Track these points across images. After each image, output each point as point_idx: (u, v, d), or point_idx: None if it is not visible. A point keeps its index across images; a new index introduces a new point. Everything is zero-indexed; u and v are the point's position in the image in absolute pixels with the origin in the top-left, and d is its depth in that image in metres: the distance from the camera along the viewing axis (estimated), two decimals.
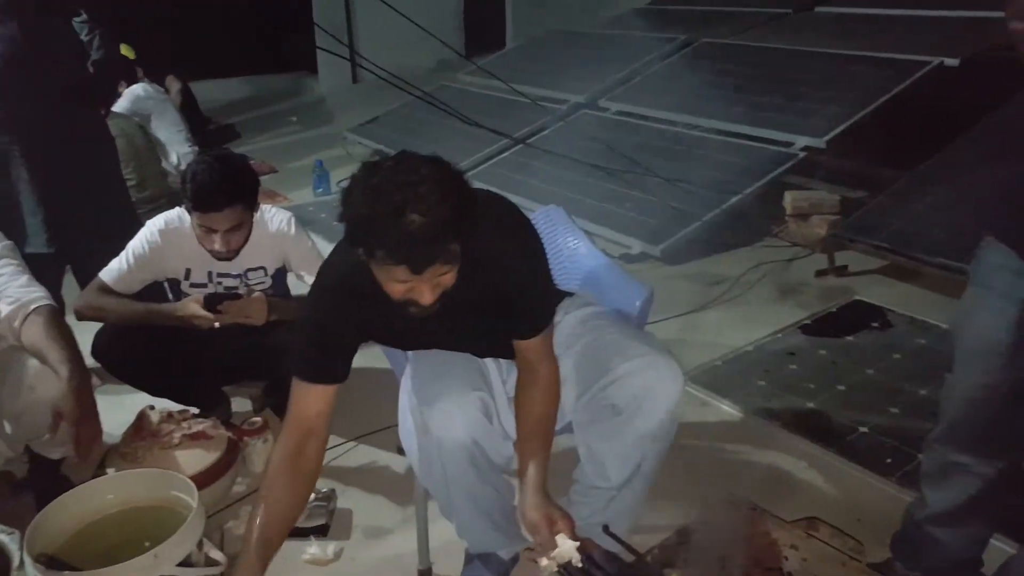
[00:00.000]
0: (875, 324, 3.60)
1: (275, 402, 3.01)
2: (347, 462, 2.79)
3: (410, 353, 2.06)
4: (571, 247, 2.53)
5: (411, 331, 1.94)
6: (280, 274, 2.87)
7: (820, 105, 4.93)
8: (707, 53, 6.25)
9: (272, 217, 2.79)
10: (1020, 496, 1.92)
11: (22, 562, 1.73)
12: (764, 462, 2.72)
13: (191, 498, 1.95)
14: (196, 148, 5.69)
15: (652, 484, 2.01)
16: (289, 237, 2.79)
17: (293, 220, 2.81)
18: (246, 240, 2.70)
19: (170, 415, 2.63)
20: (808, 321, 3.67)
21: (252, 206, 2.65)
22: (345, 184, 1.61)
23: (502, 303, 1.85)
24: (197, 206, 2.54)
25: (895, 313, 3.66)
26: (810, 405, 3.01)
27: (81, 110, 3.18)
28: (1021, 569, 1.85)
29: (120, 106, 5.38)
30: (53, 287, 2.79)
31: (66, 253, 3.15)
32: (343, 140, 7.21)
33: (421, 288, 1.62)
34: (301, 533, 2.39)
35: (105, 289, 2.67)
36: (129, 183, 3.96)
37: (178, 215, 2.72)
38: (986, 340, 1.77)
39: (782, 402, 3.04)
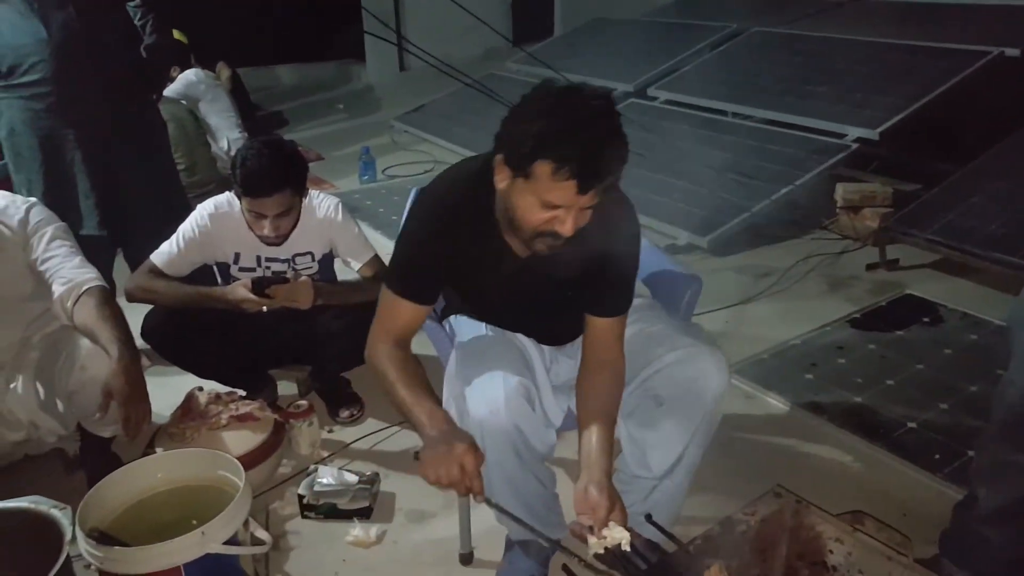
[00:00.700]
0: (926, 319, 3.54)
1: (320, 386, 3.04)
2: (390, 446, 2.81)
3: (456, 339, 2.06)
4: None
5: (492, 283, 1.93)
6: (327, 260, 2.89)
7: (874, 96, 4.84)
8: (758, 42, 6.16)
9: (320, 203, 2.81)
10: None
11: (74, 536, 1.76)
12: (810, 456, 2.71)
13: (238, 478, 1.98)
14: (246, 134, 5.74)
15: (695, 475, 2.01)
16: (336, 223, 2.80)
17: (340, 206, 2.83)
18: (295, 225, 2.73)
19: (218, 396, 2.66)
20: (857, 315, 3.62)
21: (301, 191, 2.67)
22: (517, 103, 1.64)
23: (594, 276, 1.85)
24: (247, 191, 2.57)
25: (947, 308, 3.59)
26: (858, 400, 2.97)
27: (134, 95, 3.22)
28: None
29: (172, 90, 5.44)
30: (105, 269, 2.83)
31: (118, 236, 3.20)
32: (390, 128, 7.24)
33: (567, 217, 1.62)
34: (344, 515, 2.42)
35: (155, 272, 2.71)
36: (179, 167, 4.00)
37: (228, 200, 2.75)
38: None
39: (829, 396, 3.00)
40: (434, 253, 1.84)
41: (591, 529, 1.70)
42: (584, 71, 6.45)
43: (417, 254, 1.86)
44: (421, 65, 4.62)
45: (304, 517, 2.45)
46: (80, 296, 2.20)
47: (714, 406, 1.88)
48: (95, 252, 2.57)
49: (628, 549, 1.64)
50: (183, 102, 5.42)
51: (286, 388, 3.11)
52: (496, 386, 1.79)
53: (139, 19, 3.25)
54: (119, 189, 3.16)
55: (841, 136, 4.68)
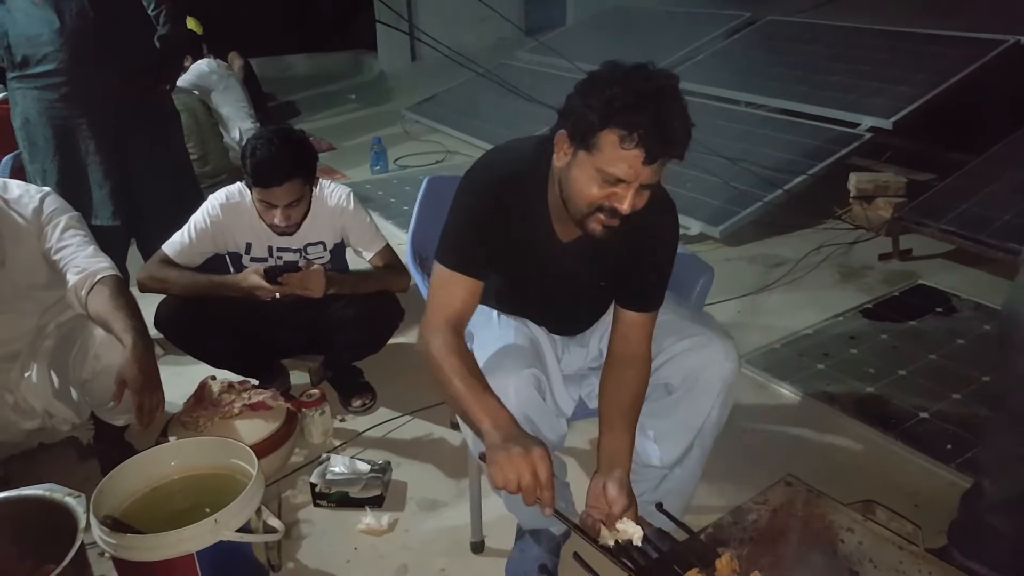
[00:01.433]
0: (939, 309, 3.52)
1: (332, 375, 3.05)
2: (402, 435, 2.82)
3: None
4: None
5: (530, 266, 1.91)
6: (339, 249, 2.89)
7: (888, 85, 4.81)
8: (772, 31, 6.14)
9: (331, 193, 2.81)
10: None
11: (88, 523, 1.77)
12: (822, 446, 2.70)
13: (251, 466, 1.99)
14: (258, 124, 5.75)
15: (706, 464, 2.01)
16: (348, 213, 2.81)
17: (352, 196, 2.83)
18: (306, 215, 2.73)
19: (230, 385, 2.68)
20: (870, 305, 3.61)
21: (311, 180, 2.68)
22: (588, 77, 1.69)
23: (632, 269, 1.86)
24: (257, 181, 2.58)
25: (960, 298, 3.57)
26: (870, 390, 2.96)
27: (148, 84, 3.23)
28: None
29: (185, 80, 5.45)
30: (118, 259, 2.85)
31: (131, 226, 3.21)
32: (401, 118, 7.23)
33: (627, 193, 1.62)
34: (356, 504, 2.43)
35: (168, 261, 2.72)
36: (192, 158, 4.01)
37: (239, 190, 2.76)
38: None
39: (842, 386, 2.99)
40: (489, 227, 1.81)
41: (603, 523, 1.71)
42: (597, 61, 6.34)
43: (473, 226, 1.82)
44: (433, 55, 4.62)
45: (316, 505, 2.46)
46: (94, 285, 2.22)
47: (725, 395, 1.88)
48: (109, 242, 2.59)
49: (639, 544, 1.64)
50: (195, 92, 5.44)
51: (298, 377, 3.12)
52: (506, 376, 1.78)
53: (152, 9, 3.25)
54: (133, 179, 3.17)
55: (855, 126, 4.65)
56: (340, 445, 2.76)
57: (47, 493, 1.84)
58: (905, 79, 4.77)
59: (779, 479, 1.75)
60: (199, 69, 5.69)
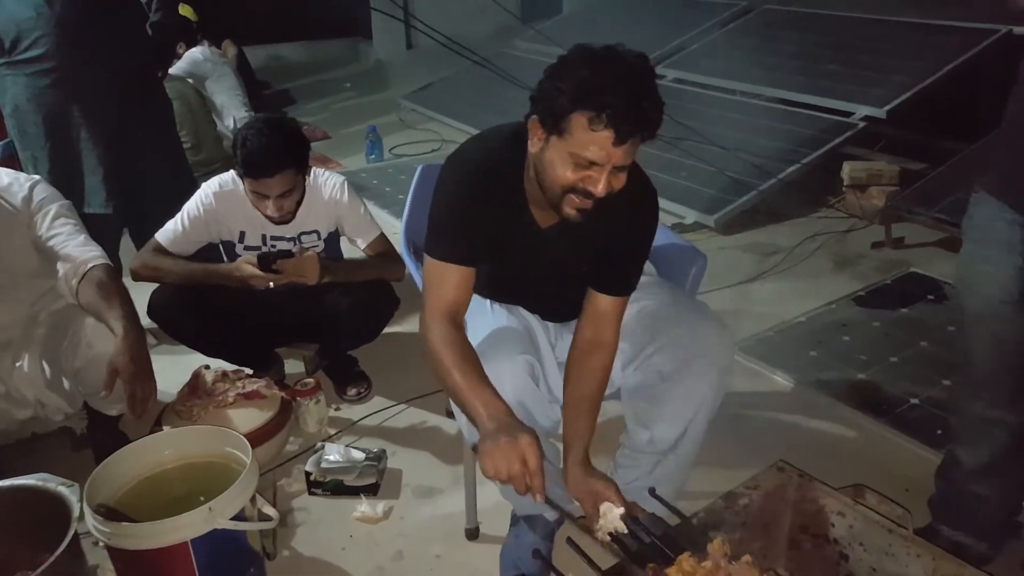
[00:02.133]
0: (931, 297, 3.53)
1: (327, 364, 3.05)
2: (397, 423, 2.83)
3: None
4: None
5: (512, 254, 1.92)
6: (333, 238, 2.89)
7: (882, 74, 4.83)
8: (768, 20, 6.15)
9: (325, 182, 2.80)
10: None
11: (82, 513, 1.77)
12: (814, 431, 2.72)
13: (245, 455, 1.99)
14: (252, 112, 5.73)
15: (699, 450, 2.02)
16: (343, 203, 2.80)
17: (346, 185, 2.82)
18: (299, 204, 2.73)
19: (224, 374, 2.68)
20: (863, 293, 3.63)
21: (303, 170, 2.66)
22: (552, 63, 1.66)
23: (610, 252, 1.86)
24: (248, 172, 2.56)
25: (951, 286, 3.57)
26: (862, 376, 2.99)
27: (140, 72, 3.22)
28: None
29: (178, 68, 5.42)
30: (111, 247, 2.84)
31: (124, 214, 3.20)
32: (397, 106, 7.22)
33: (600, 175, 1.63)
34: (352, 492, 2.44)
35: (160, 250, 2.71)
36: (185, 146, 3.99)
37: (232, 178, 2.74)
38: (994, 293, 1.79)
39: (834, 373, 3.01)
40: (470, 214, 1.81)
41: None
42: None
43: (457, 215, 1.82)
44: (429, 43, 4.59)
45: (311, 494, 2.47)
46: (85, 274, 2.21)
47: (718, 382, 1.89)
48: (101, 230, 2.58)
49: (623, 525, 1.65)
50: (189, 80, 5.41)
51: (293, 366, 3.13)
52: (500, 363, 1.79)
53: None
54: (125, 166, 3.16)
55: (849, 115, 4.68)
56: (335, 434, 2.77)
57: (40, 483, 1.85)
58: (899, 68, 4.79)
59: (771, 464, 1.76)
60: (193, 57, 5.65)
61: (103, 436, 2.46)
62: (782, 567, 1.65)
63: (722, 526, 1.63)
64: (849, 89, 4.87)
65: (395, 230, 2.83)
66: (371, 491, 2.46)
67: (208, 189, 2.75)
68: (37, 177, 2.40)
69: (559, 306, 2.09)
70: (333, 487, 2.45)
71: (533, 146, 1.71)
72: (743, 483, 1.72)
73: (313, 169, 2.76)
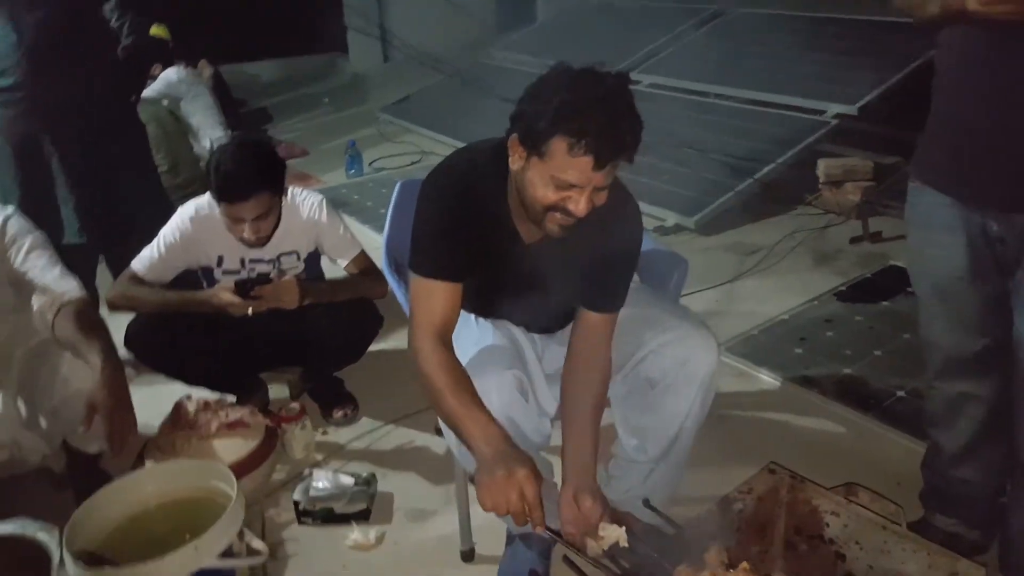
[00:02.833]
0: (910, 289, 3.51)
1: (312, 387, 3.00)
2: (386, 445, 2.78)
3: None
4: None
5: (498, 268, 1.89)
6: (313, 257, 2.84)
7: (853, 72, 4.91)
8: (738, 23, 6.24)
9: (303, 201, 2.75)
10: None
11: (62, 560, 1.71)
12: (803, 430, 2.74)
13: (230, 488, 1.93)
14: (229, 131, 5.68)
15: (690, 455, 2.02)
16: (321, 222, 2.75)
17: (324, 204, 2.77)
18: (276, 226, 2.67)
19: (207, 404, 2.60)
20: (844, 288, 3.67)
21: (279, 191, 2.60)
22: (532, 83, 1.67)
23: (597, 268, 1.85)
24: (222, 196, 2.51)
25: None
26: (847, 371, 3.01)
27: (111, 98, 3.17)
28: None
29: (153, 89, 5.37)
30: (86, 278, 2.78)
31: (99, 242, 3.15)
32: (376, 120, 7.18)
33: (581, 196, 1.61)
34: (342, 519, 2.39)
35: (137, 279, 2.65)
36: (161, 169, 3.96)
37: (208, 202, 2.68)
38: (947, 272, 1.85)
39: (820, 369, 3.03)
40: (454, 230, 1.80)
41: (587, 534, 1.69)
42: (567, 56, 6.31)
43: (441, 230, 1.80)
44: (405, 56, 4.57)
45: (301, 523, 2.41)
46: (61, 307, 2.15)
47: (706, 386, 1.89)
48: (76, 260, 2.52)
49: (626, 545, 1.62)
50: (164, 102, 5.36)
51: (278, 391, 3.07)
52: (488, 379, 1.78)
53: (116, 20, 3.20)
54: (99, 194, 3.11)
55: (821, 112, 4.75)
56: (323, 459, 2.72)
57: (19, 531, 1.79)
58: (869, 66, 4.85)
59: (762, 466, 1.78)
60: (168, 78, 5.59)
61: (83, 475, 2.39)
62: (780, 570, 1.64)
63: (718, 534, 1.65)
64: (820, 87, 4.95)
65: (377, 245, 2.78)
66: (362, 517, 2.41)
67: (184, 214, 2.69)
68: (10, 210, 2.34)
69: (545, 319, 2.07)
70: (323, 515, 2.40)
71: (514, 164, 1.69)
72: (736, 488, 1.75)
73: (290, 189, 2.71)
